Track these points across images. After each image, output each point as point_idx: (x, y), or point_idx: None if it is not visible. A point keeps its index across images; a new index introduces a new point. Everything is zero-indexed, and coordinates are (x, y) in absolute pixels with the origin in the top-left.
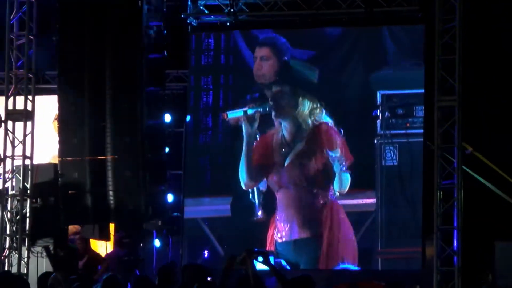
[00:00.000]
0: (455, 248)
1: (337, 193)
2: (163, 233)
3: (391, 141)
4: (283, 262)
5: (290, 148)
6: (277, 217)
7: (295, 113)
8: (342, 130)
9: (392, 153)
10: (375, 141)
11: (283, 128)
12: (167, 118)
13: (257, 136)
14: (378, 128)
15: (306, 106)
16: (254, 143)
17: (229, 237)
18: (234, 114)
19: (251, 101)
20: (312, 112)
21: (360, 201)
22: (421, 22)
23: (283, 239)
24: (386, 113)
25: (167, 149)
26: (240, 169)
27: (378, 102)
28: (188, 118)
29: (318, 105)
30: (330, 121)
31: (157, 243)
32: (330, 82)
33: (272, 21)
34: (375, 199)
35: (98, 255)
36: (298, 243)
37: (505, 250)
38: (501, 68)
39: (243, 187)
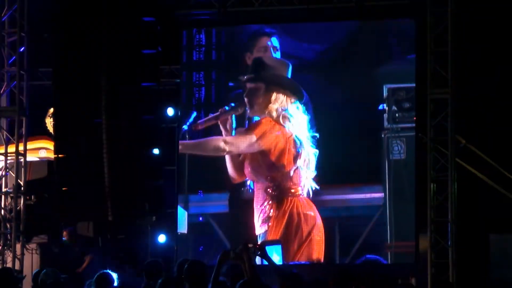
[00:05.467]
0: (449, 241)
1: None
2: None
3: (398, 135)
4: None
5: None
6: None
7: (268, 109)
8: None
9: (399, 147)
10: (382, 135)
11: None
12: (170, 112)
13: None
14: (385, 122)
15: (278, 101)
16: None
17: (234, 233)
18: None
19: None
20: (281, 105)
21: (368, 195)
22: (411, 15)
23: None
24: (393, 107)
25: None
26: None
27: (384, 96)
28: (194, 114)
29: (292, 100)
30: (307, 117)
31: (162, 238)
32: (334, 76)
33: (262, 16)
34: (383, 193)
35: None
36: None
37: (499, 243)
38: (494, 60)
39: (232, 181)
